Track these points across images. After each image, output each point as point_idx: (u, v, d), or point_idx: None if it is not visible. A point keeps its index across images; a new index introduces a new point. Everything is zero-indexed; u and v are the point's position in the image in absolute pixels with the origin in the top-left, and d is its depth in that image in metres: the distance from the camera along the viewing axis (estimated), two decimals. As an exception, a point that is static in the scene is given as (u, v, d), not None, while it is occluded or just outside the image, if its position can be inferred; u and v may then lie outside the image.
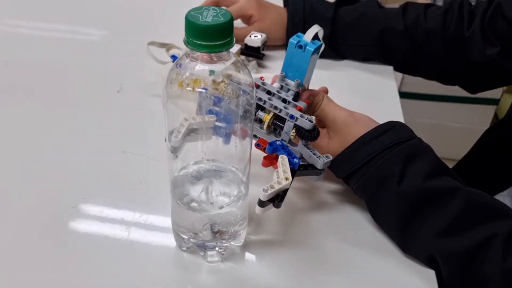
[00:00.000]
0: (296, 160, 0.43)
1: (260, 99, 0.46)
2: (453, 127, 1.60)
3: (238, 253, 0.45)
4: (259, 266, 0.44)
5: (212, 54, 0.36)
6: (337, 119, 0.48)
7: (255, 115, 0.47)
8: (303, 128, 0.45)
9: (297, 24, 0.70)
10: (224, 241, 0.44)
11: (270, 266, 0.44)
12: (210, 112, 0.40)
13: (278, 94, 0.47)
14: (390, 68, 0.72)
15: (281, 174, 0.41)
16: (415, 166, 0.44)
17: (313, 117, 0.46)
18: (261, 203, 0.40)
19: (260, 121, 0.48)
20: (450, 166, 0.51)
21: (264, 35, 0.70)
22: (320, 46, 0.46)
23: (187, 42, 0.35)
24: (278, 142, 0.45)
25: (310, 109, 0.49)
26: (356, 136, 0.47)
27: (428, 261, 0.44)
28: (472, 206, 0.42)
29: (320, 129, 0.47)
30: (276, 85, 0.48)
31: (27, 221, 0.47)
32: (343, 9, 0.70)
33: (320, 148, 0.48)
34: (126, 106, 0.63)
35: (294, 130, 0.46)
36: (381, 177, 0.45)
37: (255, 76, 0.47)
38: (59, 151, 0.56)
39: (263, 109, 0.48)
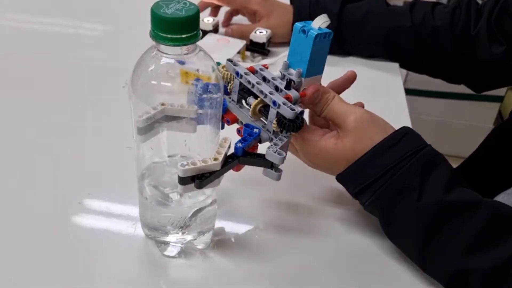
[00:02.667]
0: (239, 145, 0.40)
1: (249, 82, 0.43)
2: (457, 124, 1.60)
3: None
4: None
5: (180, 47, 0.35)
6: (350, 116, 0.43)
7: (246, 100, 0.44)
8: (283, 116, 0.41)
9: (303, 20, 0.69)
10: (187, 238, 0.44)
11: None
12: (200, 100, 0.39)
13: (273, 81, 0.43)
14: (396, 65, 0.72)
15: (212, 153, 0.38)
16: (433, 178, 0.41)
17: (299, 108, 0.41)
18: (180, 180, 0.37)
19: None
20: (455, 164, 0.51)
21: (269, 31, 0.70)
22: (329, 34, 0.42)
23: (152, 35, 0.35)
24: (255, 130, 0.42)
25: (317, 108, 0.44)
26: (371, 139, 0.42)
27: (451, 280, 0.41)
28: (498, 218, 0.41)
29: (322, 129, 0.45)
30: (277, 73, 0.44)
31: (32, 217, 0.47)
32: (349, 6, 0.70)
33: (326, 151, 0.44)
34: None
35: (274, 122, 0.42)
36: (399, 191, 0.41)
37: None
38: (64, 146, 0.56)
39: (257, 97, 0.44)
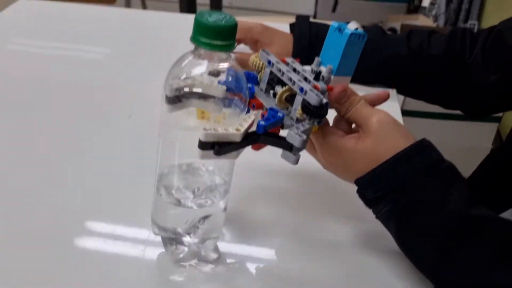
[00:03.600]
0: (262, 123, 0.40)
1: (279, 70, 0.43)
2: (456, 145, 1.62)
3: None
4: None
5: (217, 53, 0.39)
6: (374, 117, 0.43)
7: (274, 89, 0.45)
8: (309, 103, 0.41)
9: (303, 49, 0.71)
10: (193, 241, 0.45)
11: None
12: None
13: (303, 72, 0.43)
14: (394, 91, 0.74)
15: (235, 125, 0.39)
16: (455, 192, 0.41)
17: (325, 98, 0.41)
18: (200, 144, 0.37)
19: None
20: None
21: None
22: (363, 36, 0.42)
23: (198, 41, 0.38)
24: (279, 114, 0.43)
25: (342, 107, 0.45)
26: (393, 144, 0.42)
27: None
28: None
29: (342, 132, 0.45)
30: (308, 67, 0.44)
31: (38, 240, 0.48)
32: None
33: (345, 150, 0.44)
34: (138, 131, 0.65)
35: (299, 109, 0.42)
36: (420, 201, 0.41)
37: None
38: (74, 171, 0.57)
39: (283, 85, 0.45)
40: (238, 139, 0.39)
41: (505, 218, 0.42)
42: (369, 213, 0.46)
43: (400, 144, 0.42)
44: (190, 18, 0.90)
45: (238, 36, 0.77)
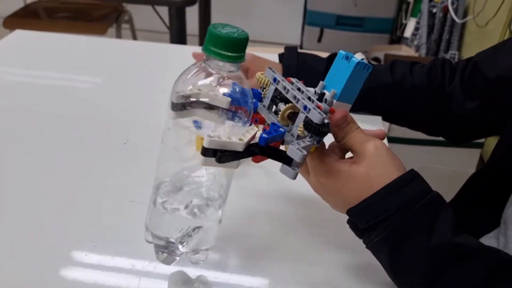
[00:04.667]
0: (265, 135, 0.41)
1: (284, 87, 0.45)
2: (440, 170, 1.66)
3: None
4: None
5: (226, 64, 0.41)
6: (370, 143, 0.44)
7: (277, 106, 0.46)
8: (311, 120, 0.42)
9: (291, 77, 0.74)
10: (184, 251, 0.46)
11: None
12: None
13: (307, 92, 0.44)
14: (379, 117, 0.77)
15: (239, 135, 0.40)
16: (442, 220, 0.43)
17: (326, 117, 0.42)
18: (203, 150, 0.38)
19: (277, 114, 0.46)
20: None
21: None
22: (368, 67, 0.45)
23: (209, 51, 0.40)
24: (281, 129, 0.44)
25: (340, 133, 0.46)
26: (386, 171, 0.43)
27: None
28: (505, 264, 0.43)
29: (337, 156, 0.46)
30: (312, 89, 0.46)
31: (36, 270, 0.49)
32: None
33: (338, 172, 0.45)
34: (133, 157, 0.67)
35: (300, 126, 0.43)
36: (411, 228, 0.42)
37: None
38: (70, 200, 0.58)
39: (286, 103, 0.46)
40: (240, 148, 0.39)
41: (488, 247, 0.44)
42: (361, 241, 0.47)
43: (392, 173, 0.43)
44: (180, 49, 0.94)
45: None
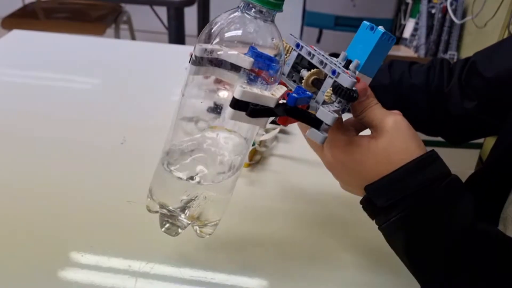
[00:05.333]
0: (294, 95, 0.39)
1: (309, 53, 0.43)
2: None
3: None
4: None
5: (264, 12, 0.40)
6: (390, 118, 0.43)
7: (299, 72, 0.44)
8: (341, 85, 0.40)
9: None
10: (189, 222, 0.45)
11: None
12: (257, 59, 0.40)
13: (331, 59, 0.43)
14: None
15: (271, 90, 0.38)
16: (464, 203, 0.41)
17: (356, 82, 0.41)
18: (234, 102, 0.36)
19: (301, 80, 0.44)
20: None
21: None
22: (393, 39, 0.43)
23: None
24: (308, 92, 0.41)
25: (359, 107, 0.44)
26: (406, 147, 0.42)
27: None
28: None
29: (354, 132, 0.44)
30: (334, 59, 0.44)
31: (32, 270, 0.49)
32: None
33: (357, 146, 0.43)
34: (130, 157, 0.66)
35: (329, 90, 0.41)
36: (432, 210, 0.41)
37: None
38: (66, 201, 0.58)
39: (309, 70, 0.44)
40: (272, 104, 0.38)
41: (508, 236, 0.43)
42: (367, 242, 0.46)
43: (412, 149, 0.42)
44: (179, 49, 0.94)
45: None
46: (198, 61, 0.40)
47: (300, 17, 2.64)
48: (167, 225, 0.46)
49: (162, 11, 1.83)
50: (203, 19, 2.09)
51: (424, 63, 0.74)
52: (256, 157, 0.67)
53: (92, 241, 0.52)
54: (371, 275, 0.50)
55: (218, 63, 0.39)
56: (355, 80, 0.40)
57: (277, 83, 0.42)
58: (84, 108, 0.78)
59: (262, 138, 0.67)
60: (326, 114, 0.39)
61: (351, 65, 0.43)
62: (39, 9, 2.14)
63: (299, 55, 0.44)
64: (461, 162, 1.65)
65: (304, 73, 0.43)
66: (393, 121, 0.43)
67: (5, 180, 0.61)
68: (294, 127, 0.70)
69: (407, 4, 2.34)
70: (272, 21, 0.41)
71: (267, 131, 0.70)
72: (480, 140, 1.65)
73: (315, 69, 0.43)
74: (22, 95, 0.81)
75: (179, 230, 0.46)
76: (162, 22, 2.05)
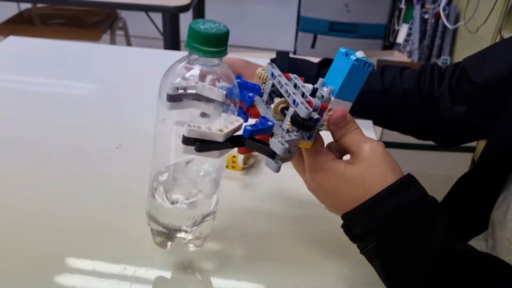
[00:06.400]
0: (248, 128, 0.42)
1: (279, 82, 0.45)
2: (433, 174, 1.67)
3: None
4: None
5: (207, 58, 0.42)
6: (366, 144, 0.44)
7: (272, 100, 0.46)
8: (298, 115, 0.42)
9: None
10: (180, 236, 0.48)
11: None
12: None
13: (302, 88, 0.44)
14: (370, 122, 0.78)
15: (220, 125, 0.40)
16: (439, 226, 0.42)
17: (315, 114, 0.43)
18: (184, 139, 0.39)
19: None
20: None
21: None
22: (368, 65, 0.44)
23: (191, 47, 0.41)
24: (270, 122, 0.44)
25: (338, 132, 0.45)
26: (382, 174, 0.43)
27: None
28: (500, 269, 0.43)
29: (333, 156, 0.45)
30: (310, 86, 0.46)
31: (28, 273, 0.49)
32: (326, 69, 0.76)
33: (333, 171, 0.44)
34: (126, 161, 0.67)
35: (288, 121, 0.43)
36: (407, 235, 0.42)
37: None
38: (62, 205, 0.58)
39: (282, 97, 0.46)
40: (220, 139, 0.40)
41: (484, 253, 0.45)
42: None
43: (387, 176, 0.43)
44: (174, 54, 0.94)
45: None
46: (172, 98, 0.42)
47: (295, 22, 2.66)
48: (161, 239, 0.48)
49: (158, 17, 1.84)
50: (199, 24, 2.10)
51: (415, 68, 0.75)
52: (250, 161, 0.68)
53: (87, 244, 0.53)
54: (368, 277, 0.51)
55: (193, 97, 0.42)
56: (310, 111, 0.42)
57: (237, 107, 0.45)
58: (79, 113, 0.78)
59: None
60: (276, 145, 0.41)
61: (325, 91, 0.45)
62: (35, 15, 2.15)
63: (273, 84, 0.46)
64: (454, 165, 1.66)
65: (277, 100, 0.46)
66: (369, 148, 0.44)
67: (0, 184, 0.61)
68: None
69: (400, 9, 2.37)
70: (220, 61, 0.44)
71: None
72: (473, 143, 1.66)
73: (283, 99, 0.45)
74: (18, 101, 0.81)
75: (169, 243, 0.49)
76: (157, 28, 2.06)
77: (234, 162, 0.66)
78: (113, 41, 2.18)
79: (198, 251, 0.51)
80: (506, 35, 1.63)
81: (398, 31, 2.36)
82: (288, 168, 0.66)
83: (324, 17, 2.47)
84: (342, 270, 0.52)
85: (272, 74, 0.46)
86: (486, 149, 0.63)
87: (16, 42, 1.03)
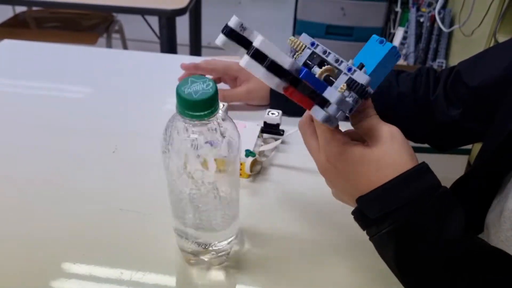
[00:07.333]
0: (307, 70, 0.41)
1: (324, 51, 0.44)
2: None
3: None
4: None
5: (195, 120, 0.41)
6: (385, 129, 0.44)
7: (310, 70, 0.45)
8: (356, 80, 0.41)
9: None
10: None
11: None
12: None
13: (344, 60, 0.44)
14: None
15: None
16: (454, 216, 0.42)
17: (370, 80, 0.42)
18: (254, 51, 0.38)
19: None
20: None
21: (280, 112, 0.71)
22: (399, 56, 0.45)
23: (181, 113, 0.41)
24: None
25: (357, 116, 0.45)
26: (399, 159, 0.42)
27: None
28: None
29: (349, 139, 0.45)
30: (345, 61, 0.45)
31: (24, 279, 0.49)
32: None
33: (351, 152, 0.44)
34: (122, 166, 0.67)
35: (343, 85, 0.42)
36: (422, 223, 0.41)
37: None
38: (58, 209, 0.58)
39: (320, 67, 0.45)
40: (287, 65, 0.39)
41: (497, 248, 0.44)
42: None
43: (404, 161, 0.42)
44: (170, 58, 0.94)
45: (218, 74, 0.82)
46: (229, 33, 0.42)
47: (292, 26, 2.66)
48: (194, 261, 0.51)
49: (154, 20, 1.84)
50: (195, 28, 2.10)
51: (411, 71, 0.75)
52: (257, 168, 0.67)
53: (84, 249, 0.53)
54: (373, 282, 0.51)
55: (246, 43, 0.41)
56: (370, 78, 0.41)
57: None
58: (75, 117, 0.78)
59: (262, 148, 0.67)
60: (333, 93, 0.40)
61: (362, 70, 0.44)
62: (30, 19, 2.14)
63: (312, 53, 0.45)
64: (450, 168, 1.67)
65: (316, 70, 0.44)
66: (389, 132, 0.44)
67: (-3, 189, 0.61)
68: (293, 138, 0.72)
69: (396, 13, 2.38)
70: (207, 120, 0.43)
71: (265, 141, 0.71)
72: (469, 146, 1.67)
73: (327, 66, 0.44)
74: (13, 105, 0.81)
75: (193, 260, 0.51)
76: (154, 31, 2.06)
77: (240, 169, 0.65)
78: (109, 45, 2.17)
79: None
80: (500, 38, 1.64)
81: (394, 34, 2.37)
82: (294, 174, 0.66)
83: (320, 21, 2.47)
84: (348, 278, 0.52)
85: (313, 43, 0.45)
86: (481, 153, 0.64)
87: (11, 46, 1.03)
